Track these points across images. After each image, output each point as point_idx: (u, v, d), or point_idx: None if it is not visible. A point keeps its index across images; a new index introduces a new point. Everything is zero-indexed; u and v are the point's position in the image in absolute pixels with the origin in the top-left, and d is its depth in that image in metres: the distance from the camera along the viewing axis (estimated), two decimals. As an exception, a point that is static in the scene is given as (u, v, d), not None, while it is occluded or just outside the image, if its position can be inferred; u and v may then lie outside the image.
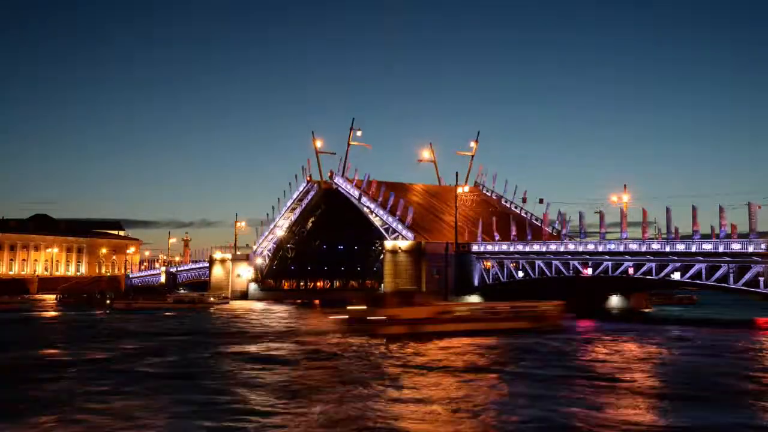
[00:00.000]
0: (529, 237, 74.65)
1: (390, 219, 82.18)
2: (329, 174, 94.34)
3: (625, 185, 72.39)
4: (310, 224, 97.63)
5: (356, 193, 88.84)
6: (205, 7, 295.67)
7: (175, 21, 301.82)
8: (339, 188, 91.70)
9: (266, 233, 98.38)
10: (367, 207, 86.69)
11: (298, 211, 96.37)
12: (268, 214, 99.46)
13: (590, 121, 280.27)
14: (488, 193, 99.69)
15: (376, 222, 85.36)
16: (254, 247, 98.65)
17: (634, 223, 74.44)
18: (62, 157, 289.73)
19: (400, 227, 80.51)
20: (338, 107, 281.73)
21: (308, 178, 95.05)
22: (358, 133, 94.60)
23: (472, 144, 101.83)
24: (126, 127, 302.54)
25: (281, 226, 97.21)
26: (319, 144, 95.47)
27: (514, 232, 76.01)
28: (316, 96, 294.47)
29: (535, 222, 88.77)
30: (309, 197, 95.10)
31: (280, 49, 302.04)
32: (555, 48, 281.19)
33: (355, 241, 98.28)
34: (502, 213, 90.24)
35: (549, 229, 76.56)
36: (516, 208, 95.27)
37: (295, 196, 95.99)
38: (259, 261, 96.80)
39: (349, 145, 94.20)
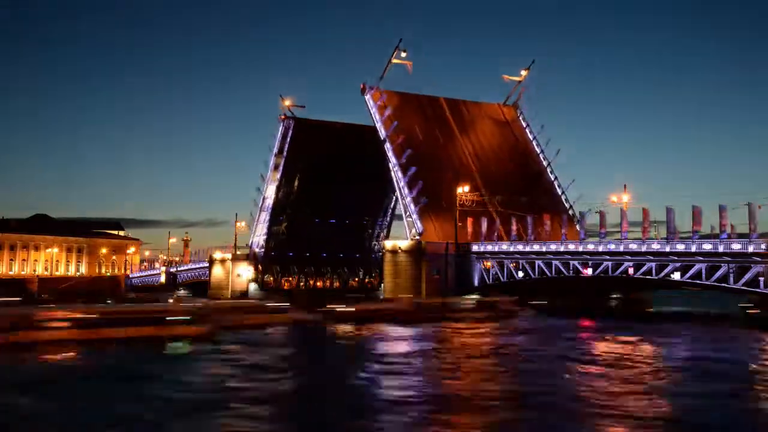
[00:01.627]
0: (530, 234, 73.33)
1: (406, 191, 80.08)
2: (361, 87, 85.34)
3: (625, 185, 71.42)
4: (297, 182, 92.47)
5: (383, 132, 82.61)
6: (202, 5, 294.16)
7: (176, 24, 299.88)
8: (366, 105, 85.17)
9: (258, 214, 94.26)
10: (390, 159, 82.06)
11: (282, 167, 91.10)
12: (255, 200, 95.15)
13: (591, 121, 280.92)
14: (523, 123, 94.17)
15: (393, 176, 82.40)
16: (250, 238, 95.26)
17: (635, 222, 73.35)
18: (62, 157, 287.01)
19: (412, 207, 79.18)
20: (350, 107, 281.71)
21: (282, 117, 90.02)
22: (403, 54, 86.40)
23: (523, 72, 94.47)
24: (127, 126, 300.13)
25: (270, 197, 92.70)
26: (287, 102, 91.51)
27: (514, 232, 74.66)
28: (329, 96, 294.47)
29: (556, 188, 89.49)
30: (288, 140, 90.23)
31: (282, 49, 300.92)
32: (554, 46, 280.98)
33: (350, 209, 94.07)
34: (523, 155, 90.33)
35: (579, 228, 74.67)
36: (545, 161, 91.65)
37: (275, 147, 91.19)
38: (256, 250, 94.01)
39: (389, 63, 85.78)
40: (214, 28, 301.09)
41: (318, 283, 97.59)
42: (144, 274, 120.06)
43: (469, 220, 76.83)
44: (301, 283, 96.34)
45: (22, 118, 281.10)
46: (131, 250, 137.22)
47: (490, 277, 74.66)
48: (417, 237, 78.30)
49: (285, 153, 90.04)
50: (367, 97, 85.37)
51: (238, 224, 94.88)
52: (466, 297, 73.57)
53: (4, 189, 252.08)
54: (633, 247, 62.97)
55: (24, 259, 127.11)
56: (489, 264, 75.42)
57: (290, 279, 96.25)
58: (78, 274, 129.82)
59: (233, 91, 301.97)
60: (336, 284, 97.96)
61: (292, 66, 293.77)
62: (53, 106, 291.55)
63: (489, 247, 74.99)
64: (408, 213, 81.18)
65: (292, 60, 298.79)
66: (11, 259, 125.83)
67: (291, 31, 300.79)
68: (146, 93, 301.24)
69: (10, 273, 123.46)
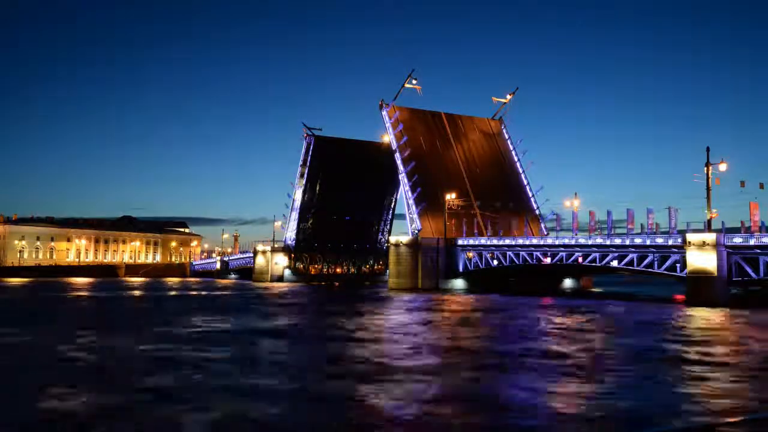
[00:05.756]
0: (500, 231, 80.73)
1: (410, 194, 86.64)
2: (379, 104, 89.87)
3: (575, 192, 78.28)
4: (318, 188, 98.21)
5: (395, 143, 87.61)
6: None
7: (233, 21, 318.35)
8: (382, 119, 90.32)
9: (290, 213, 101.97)
10: (399, 167, 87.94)
11: (306, 175, 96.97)
12: (287, 205, 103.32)
13: (561, 138, 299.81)
14: (506, 135, 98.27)
15: (400, 181, 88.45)
16: (284, 233, 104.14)
17: (585, 222, 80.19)
18: (143, 168, 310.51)
19: (414, 208, 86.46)
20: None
21: (305, 135, 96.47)
22: (414, 81, 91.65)
23: (508, 96, 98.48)
24: (193, 146, 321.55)
25: (298, 199, 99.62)
26: (308, 125, 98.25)
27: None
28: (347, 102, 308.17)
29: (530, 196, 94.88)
30: (310, 153, 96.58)
31: (306, 75, 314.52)
32: (536, 72, 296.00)
33: (360, 209, 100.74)
34: (504, 163, 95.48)
35: (543, 225, 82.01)
36: (520, 168, 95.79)
37: (301, 159, 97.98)
38: (289, 243, 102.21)
39: (402, 87, 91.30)
40: (257, 60, 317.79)
41: (338, 269, 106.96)
42: (204, 261, 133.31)
43: (453, 221, 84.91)
44: (325, 270, 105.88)
45: (111, 132, 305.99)
46: (194, 243, 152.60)
47: (472, 264, 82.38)
48: (416, 233, 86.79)
49: (308, 164, 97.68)
50: (384, 112, 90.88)
51: (276, 222, 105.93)
52: (453, 280, 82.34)
53: (99, 194, 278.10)
54: (582, 241, 69.50)
55: (114, 250, 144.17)
56: (471, 254, 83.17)
57: (316, 266, 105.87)
58: (154, 261, 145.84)
59: (272, 113, 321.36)
60: (352, 270, 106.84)
61: (314, 89, 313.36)
62: (138, 126, 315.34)
63: (471, 241, 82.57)
64: (410, 212, 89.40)
65: (314, 84, 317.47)
66: (105, 250, 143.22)
67: (316, 62, 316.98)
68: (205, 119, 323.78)
69: (105, 260, 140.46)
